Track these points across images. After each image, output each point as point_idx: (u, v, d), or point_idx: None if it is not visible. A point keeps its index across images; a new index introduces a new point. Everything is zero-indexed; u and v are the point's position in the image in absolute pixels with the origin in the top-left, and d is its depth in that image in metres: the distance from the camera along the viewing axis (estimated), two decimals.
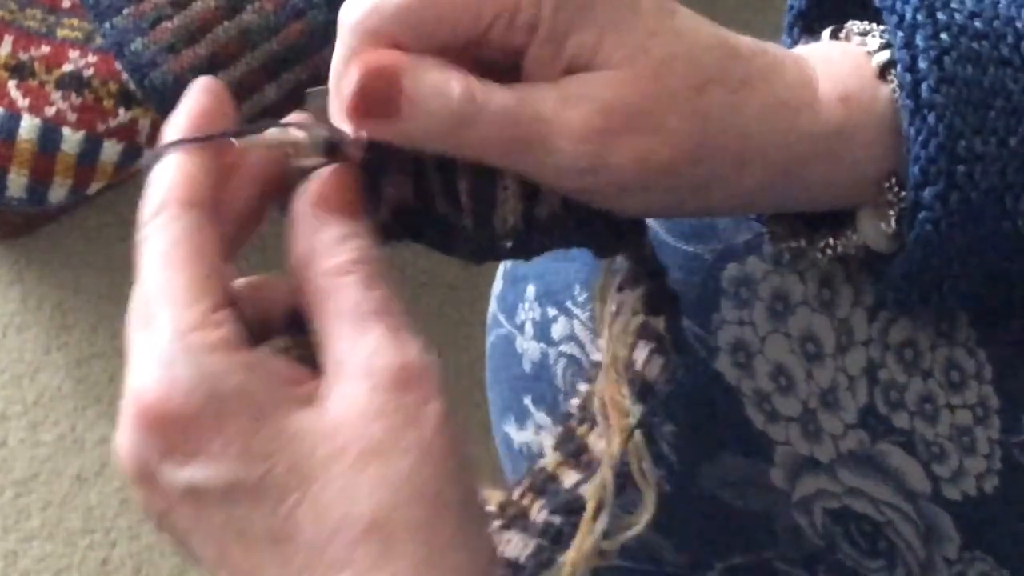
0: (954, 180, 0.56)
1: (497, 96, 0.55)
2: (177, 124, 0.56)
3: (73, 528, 1.39)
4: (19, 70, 1.31)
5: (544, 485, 0.59)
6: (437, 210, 0.57)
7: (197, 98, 0.56)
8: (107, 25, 1.29)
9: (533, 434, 0.73)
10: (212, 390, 0.51)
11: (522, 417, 0.74)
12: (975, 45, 0.57)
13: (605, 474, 0.57)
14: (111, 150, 1.30)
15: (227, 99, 0.57)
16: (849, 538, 0.70)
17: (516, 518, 0.59)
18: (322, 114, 0.57)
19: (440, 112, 0.54)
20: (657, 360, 0.59)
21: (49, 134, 1.29)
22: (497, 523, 0.59)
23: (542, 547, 0.57)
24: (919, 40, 0.57)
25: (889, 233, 0.59)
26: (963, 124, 0.56)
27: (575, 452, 0.59)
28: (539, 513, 0.58)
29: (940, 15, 0.57)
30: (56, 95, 1.30)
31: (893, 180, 0.58)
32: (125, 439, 0.52)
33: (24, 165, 1.30)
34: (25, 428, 1.42)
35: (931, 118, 0.56)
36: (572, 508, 0.57)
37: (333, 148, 0.55)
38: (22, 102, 1.30)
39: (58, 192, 1.32)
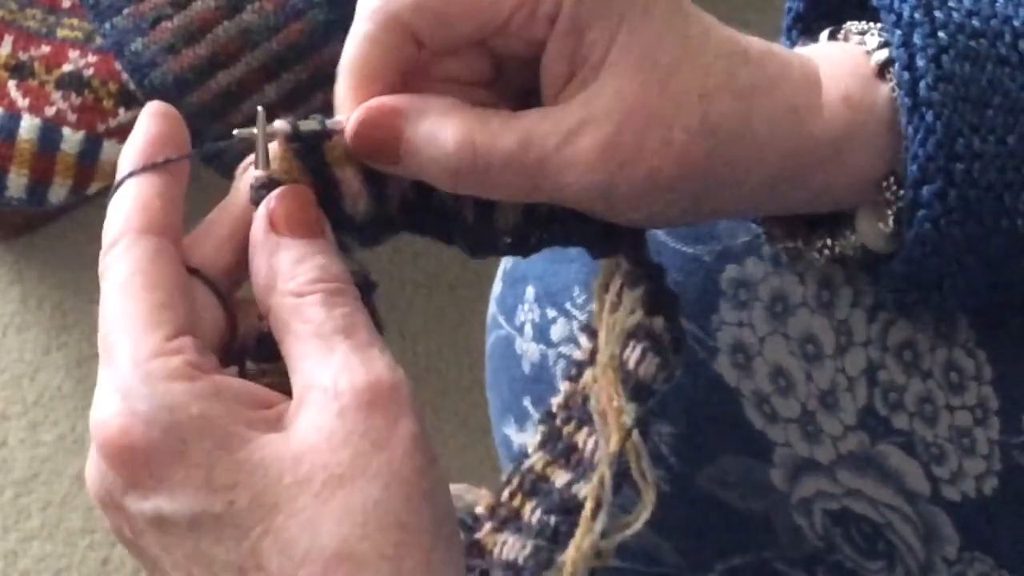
0: (952, 178, 0.56)
1: (500, 142, 0.54)
2: (131, 153, 0.55)
3: (73, 528, 1.39)
4: (19, 70, 1.31)
5: (535, 486, 0.59)
6: (438, 203, 0.57)
7: (149, 125, 0.56)
8: (107, 25, 1.29)
9: (533, 435, 0.73)
10: (171, 420, 0.50)
11: (522, 418, 0.74)
12: (973, 43, 0.57)
13: (604, 473, 0.57)
14: (111, 150, 1.30)
15: (179, 122, 0.56)
16: (849, 539, 0.70)
17: (508, 520, 0.59)
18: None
19: (438, 162, 0.55)
20: (652, 360, 0.58)
21: (49, 134, 1.29)
22: (489, 525, 0.59)
23: (540, 547, 0.57)
24: (917, 38, 0.57)
25: (887, 233, 0.59)
26: (961, 122, 0.56)
27: (564, 452, 0.59)
28: (533, 514, 0.58)
29: (938, 13, 0.57)
30: (56, 95, 1.30)
31: (891, 179, 0.58)
32: (92, 469, 0.52)
33: (24, 165, 1.30)
34: (25, 428, 1.42)
35: (929, 116, 0.56)
36: (568, 508, 0.57)
37: (313, 143, 0.55)
38: (22, 102, 1.30)
39: (58, 192, 1.32)
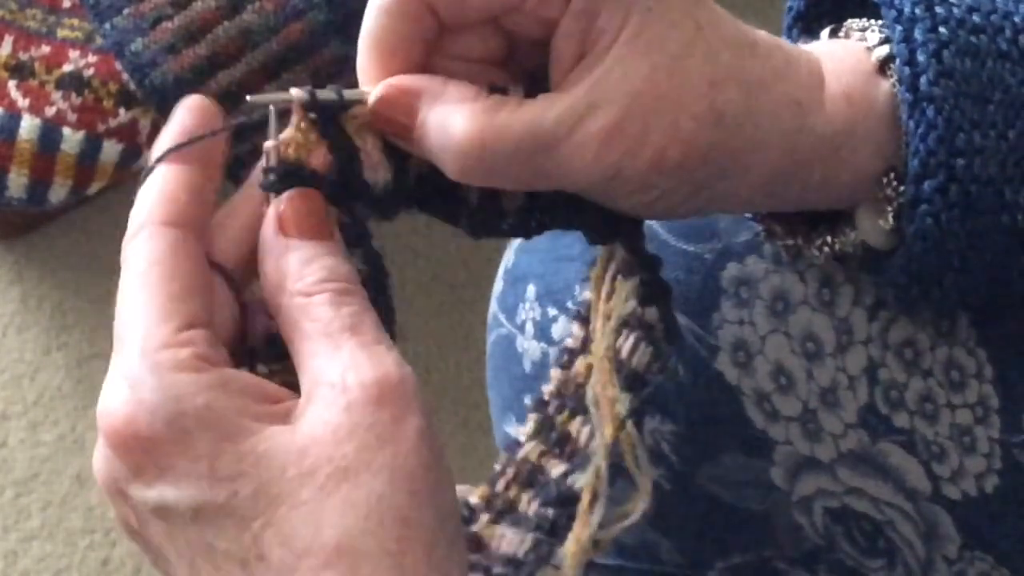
0: (953, 173, 0.56)
1: (508, 135, 0.54)
2: (164, 144, 0.55)
3: (73, 528, 1.39)
4: (19, 70, 1.31)
5: (530, 476, 0.59)
6: (446, 182, 0.57)
7: (184, 117, 0.56)
8: (107, 25, 1.29)
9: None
10: (177, 410, 0.50)
11: (523, 416, 0.74)
12: (973, 39, 0.57)
13: (599, 464, 0.57)
14: (111, 150, 1.30)
15: (214, 116, 0.56)
16: (849, 537, 0.70)
17: (505, 512, 0.59)
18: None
19: (446, 150, 0.55)
20: (645, 349, 0.58)
21: (49, 134, 1.29)
22: (485, 517, 0.59)
23: (540, 541, 0.57)
24: (918, 34, 0.57)
25: (887, 229, 0.59)
26: (962, 117, 0.56)
27: (558, 441, 0.59)
28: (530, 505, 0.58)
29: (938, 9, 0.57)
30: (56, 95, 1.30)
31: (892, 175, 0.58)
32: (98, 456, 0.53)
33: (24, 165, 1.30)
34: (25, 428, 1.42)
35: (930, 111, 0.56)
36: (565, 499, 0.57)
37: (330, 114, 0.55)
38: (22, 102, 1.30)
39: (58, 192, 1.32)
